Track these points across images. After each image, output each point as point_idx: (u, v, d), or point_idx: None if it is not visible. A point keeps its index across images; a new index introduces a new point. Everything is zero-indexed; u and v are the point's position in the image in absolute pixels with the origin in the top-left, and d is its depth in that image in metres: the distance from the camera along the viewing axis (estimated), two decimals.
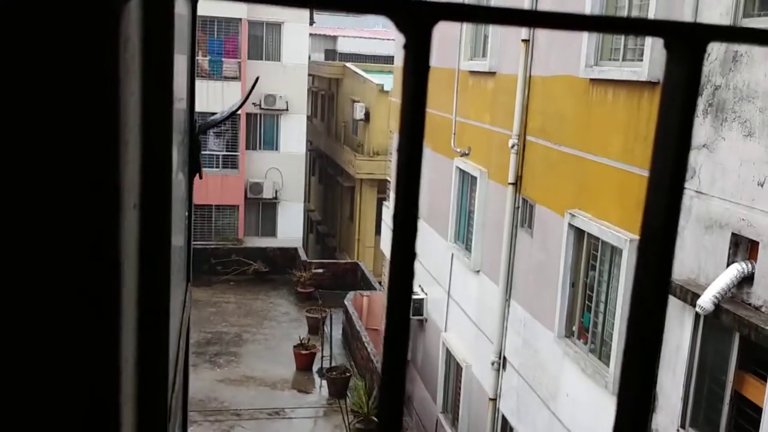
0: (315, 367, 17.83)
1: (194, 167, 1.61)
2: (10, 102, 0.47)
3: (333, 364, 17.39)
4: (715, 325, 6.55)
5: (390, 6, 0.50)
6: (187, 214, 1.63)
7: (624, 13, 8.27)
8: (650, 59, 7.45)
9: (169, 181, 0.72)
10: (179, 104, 1.44)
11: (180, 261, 1.52)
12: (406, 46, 0.51)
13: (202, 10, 26.92)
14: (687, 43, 0.54)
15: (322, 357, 17.64)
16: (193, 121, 1.64)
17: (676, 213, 0.56)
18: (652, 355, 0.54)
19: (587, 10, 8.65)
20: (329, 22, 45.91)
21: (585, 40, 8.73)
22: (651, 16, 7.44)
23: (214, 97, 24.58)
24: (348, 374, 16.82)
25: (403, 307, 0.51)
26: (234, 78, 25.54)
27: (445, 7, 0.50)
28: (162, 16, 0.58)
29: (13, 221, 0.49)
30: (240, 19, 25.45)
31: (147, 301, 0.68)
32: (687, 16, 6.89)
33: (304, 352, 17.76)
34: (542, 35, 10.10)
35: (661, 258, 0.55)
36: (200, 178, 1.70)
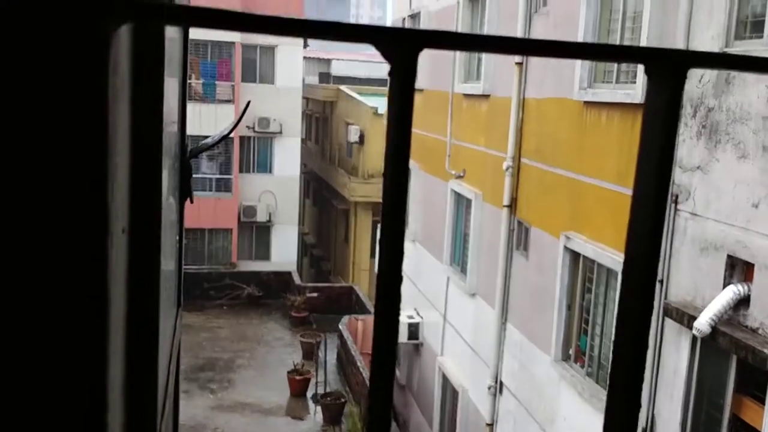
0: (309, 393, 17.68)
1: (185, 192, 1.61)
2: None
3: (327, 390, 17.26)
4: (712, 348, 6.53)
5: (375, 34, 0.50)
6: (177, 238, 1.63)
7: (617, 35, 8.35)
8: (644, 81, 7.50)
9: (158, 206, 0.72)
10: (170, 128, 1.44)
11: (170, 286, 1.51)
12: (391, 73, 0.52)
13: (195, 34, 26.89)
14: (668, 69, 0.55)
15: (317, 383, 17.50)
16: (184, 145, 1.64)
17: (658, 237, 0.57)
18: (638, 370, 0.54)
19: (580, 31, 8.73)
20: (323, 45, 46.20)
21: (578, 62, 8.80)
22: (643, 37, 7.52)
23: (208, 120, 24.63)
24: (343, 400, 16.69)
25: (391, 326, 0.51)
26: (228, 101, 25.62)
27: (429, 34, 0.50)
28: (152, 42, 0.58)
29: None
30: (233, 43, 25.57)
31: (136, 328, 0.68)
32: (679, 38, 6.96)
33: (298, 377, 17.62)
34: (536, 58, 10.18)
35: (644, 280, 0.55)
36: (191, 202, 1.69)
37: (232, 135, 25.08)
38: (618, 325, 0.54)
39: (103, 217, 0.49)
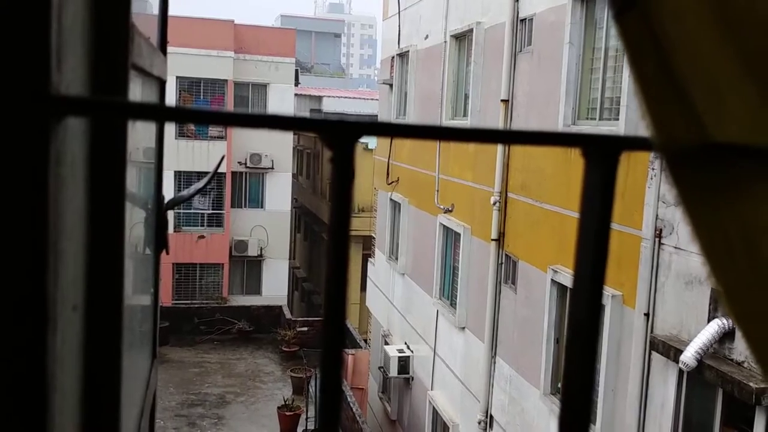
0: (300, 429, 17.52)
1: (161, 244, 1.63)
2: None
3: (318, 426, 17.07)
4: (698, 381, 6.54)
5: (317, 126, 0.53)
6: (153, 290, 1.64)
7: (599, 73, 8.46)
8: (626, 119, 7.60)
9: (120, 281, 0.73)
10: (147, 184, 1.46)
11: (146, 338, 1.51)
12: (332, 160, 0.55)
13: (188, 72, 26.77)
14: (602, 152, 0.58)
15: (307, 418, 17.35)
16: (160, 197, 1.66)
17: (596, 317, 0.58)
18: (587, 384, 0.55)
19: (564, 69, 8.85)
20: (314, 82, 46.62)
21: (563, 99, 8.92)
22: (625, 75, 7.63)
23: (200, 157, 24.71)
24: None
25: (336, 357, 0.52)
26: (219, 138, 25.72)
27: (365, 125, 0.54)
28: (110, 132, 0.60)
29: None
30: (226, 80, 25.78)
31: (94, 400, 0.69)
32: None
33: (288, 413, 17.47)
34: (521, 95, 10.30)
35: (584, 362, 0.57)
36: (167, 253, 1.71)
37: (224, 170, 25.16)
38: (568, 344, 0.56)
39: (41, 302, 0.50)
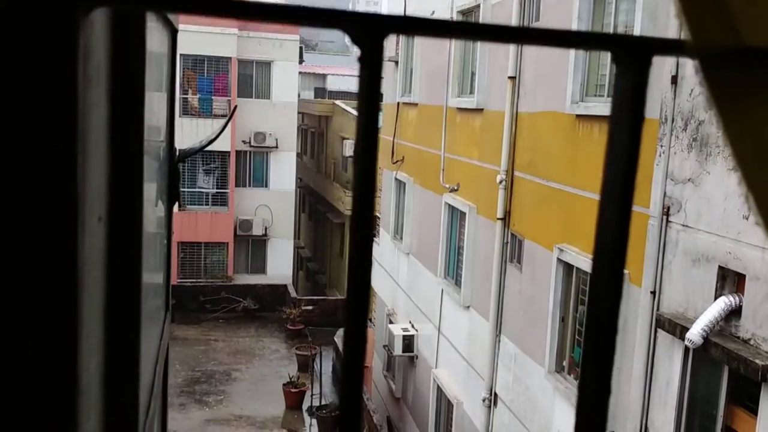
0: (305, 406, 17.63)
1: (173, 196, 1.62)
2: None
3: (323, 403, 17.22)
4: (704, 359, 6.54)
5: (344, 20, 0.52)
6: (166, 242, 1.64)
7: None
8: None
9: (140, 195, 0.73)
10: (158, 134, 1.45)
11: (158, 289, 1.51)
12: (360, 59, 0.53)
13: (191, 49, 26.62)
14: (634, 55, 0.56)
15: (312, 395, 17.45)
16: (172, 150, 1.65)
17: (626, 226, 0.58)
18: (608, 364, 0.55)
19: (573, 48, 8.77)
20: (319, 60, 46.40)
21: (570, 76, 8.86)
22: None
23: (205, 134, 24.63)
24: (338, 413, 16.63)
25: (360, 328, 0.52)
26: (224, 116, 25.67)
27: (394, 20, 0.52)
28: (132, 32, 0.59)
29: None
30: (230, 58, 25.68)
31: (115, 311, 0.68)
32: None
33: (293, 390, 17.58)
34: (528, 72, 10.24)
35: (612, 271, 0.56)
36: (179, 207, 1.71)
37: (228, 149, 25.12)
38: (588, 320, 0.55)
39: (72, 201, 0.50)
